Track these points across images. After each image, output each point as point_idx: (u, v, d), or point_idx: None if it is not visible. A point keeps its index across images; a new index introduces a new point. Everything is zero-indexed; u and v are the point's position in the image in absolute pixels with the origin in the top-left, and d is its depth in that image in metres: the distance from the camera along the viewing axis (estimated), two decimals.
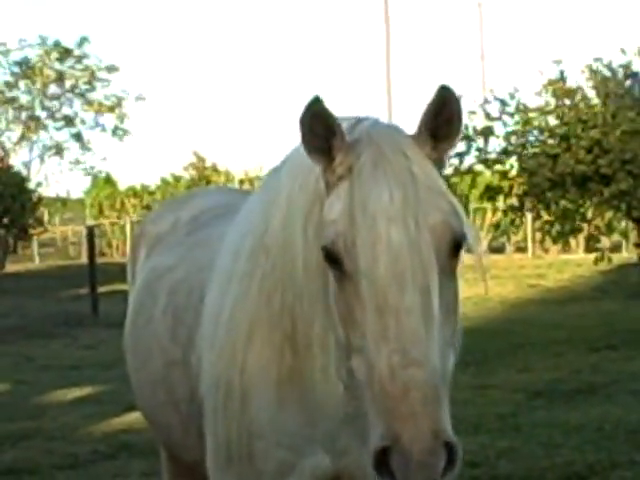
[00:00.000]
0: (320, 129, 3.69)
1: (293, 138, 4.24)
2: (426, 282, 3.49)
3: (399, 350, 3.35)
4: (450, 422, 3.38)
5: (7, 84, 52.03)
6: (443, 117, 3.68)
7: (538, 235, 33.85)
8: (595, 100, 22.45)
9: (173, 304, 5.34)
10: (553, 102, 22.70)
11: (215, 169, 60.14)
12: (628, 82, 21.32)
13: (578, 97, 22.47)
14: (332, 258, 3.65)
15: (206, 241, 5.46)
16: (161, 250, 6.13)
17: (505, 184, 23.42)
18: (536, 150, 22.37)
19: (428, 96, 3.73)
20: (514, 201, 23.65)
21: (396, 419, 3.28)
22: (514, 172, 23.45)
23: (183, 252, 5.74)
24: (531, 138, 22.75)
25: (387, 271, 3.46)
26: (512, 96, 22.75)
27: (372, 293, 3.47)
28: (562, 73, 22.81)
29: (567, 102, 22.49)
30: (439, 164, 3.83)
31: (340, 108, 4.00)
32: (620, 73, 22.21)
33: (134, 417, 12.73)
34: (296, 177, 4.23)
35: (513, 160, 23.10)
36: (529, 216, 28.10)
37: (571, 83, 22.92)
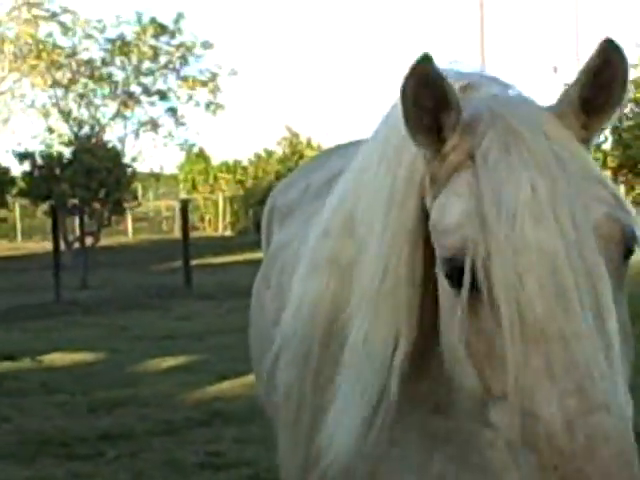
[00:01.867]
0: (429, 101, 2.77)
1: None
2: (597, 298, 2.59)
3: (574, 390, 2.46)
4: None
5: (103, 60, 52.18)
6: (603, 81, 2.76)
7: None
8: None
9: (280, 286, 4.36)
10: None
11: (309, 144, 59.71)
12: None
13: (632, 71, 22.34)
14: (456, 276, 2.72)
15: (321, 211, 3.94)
16: (289, 222, 5.04)
17: (600, 156, 23.33)
18: (631, 123, 22.23)
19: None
20: (609, 173, 23.60)
21: None
22: (608, 145, 23.32)
23: (300, 225, 4.57)
24: (626, 111, 22.56)
25: (541, 288, 2.57)
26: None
27: (522, 319, 2.56)
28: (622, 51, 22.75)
29: None
30: (587, 145, 2.92)
31: None
32: None
33: (226, 385, 12.91)
34: (381, 159, 3.25)
35: (607, 133, 22.96)
36: (622, 188, 27.99)
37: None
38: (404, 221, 3.02)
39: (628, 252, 2.71)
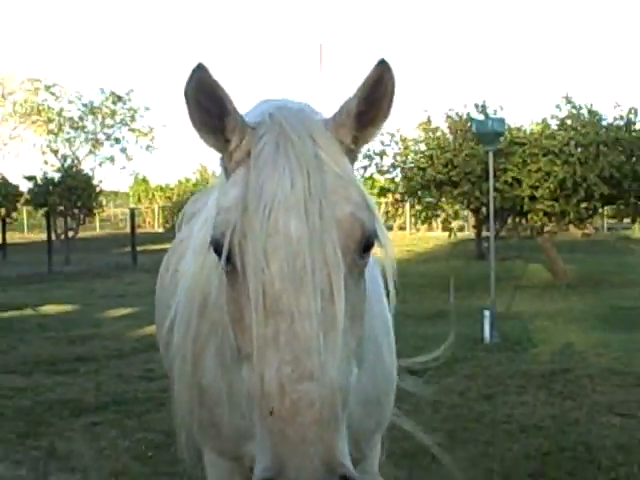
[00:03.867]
0: (209, 104, 2.33)
1: None
2: (329, 283, 2.19)
3: (291, 360, 2.07)
4: (347, 449, 2.07)
5: (80, 118, 52.46)
6: (376, 97, 2.34)
7: (413, 219, 34.17)
8: (449, 135, 22.66)
9: (176, 270, 3.82)
10: (423, 135, 22.93)
11: (214, 174, 60.37)
12: (469, 124, 21.42)
13: (439, 132, 22.66)
14: (220, 252, 2.30)
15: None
16: (190, 224, 4.32)
17: (393, 186, 23.71)
18: (412, 165, 22.52)
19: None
20: (398, 197, 24.06)
21: (283, 445, 1.99)
22: (398, 179, 23.58)
23: (195, 226, 3.73)
24: (409, 157, 22.88)
25: (282, 268, 2.17)
26: (397, 130, 22.92)
27: (262, 293, 2.17)
28: (429, 117, 23.04)
29: (431, 135, 22.74)
30: (352, 156, 2.44)
31: None
32: (464, 117, 22.45)
33: None
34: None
35: (398, 171, 23.20)
36: (408, 207, 28.39)
37: (435, 124, 23.13)
38: None
39: (367, 246, 2.30)
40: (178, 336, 3.26)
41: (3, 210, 41.62)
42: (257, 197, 2.17)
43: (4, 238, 38.68)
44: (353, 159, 2.44)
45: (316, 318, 2.08)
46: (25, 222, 59.83)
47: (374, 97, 2.30)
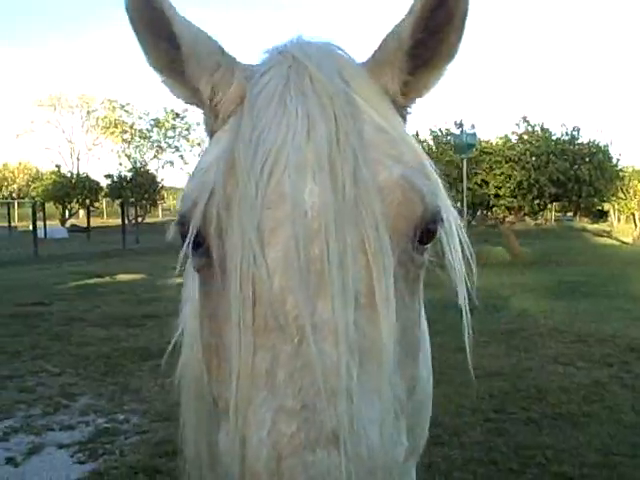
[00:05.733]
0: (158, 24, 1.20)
1: None
2: (368, 283, 1.01)
3: (295, 410, 0.92)
4: None
5: (147, 130, 53.44)
6: (439, 21, 1.19)
7: None
8: (432, 144, 22.56)
9: None
10: None
11: None
12: (448, 137, 21.34)
13: (424, 143, 22.55)
14: (191, 234, 1.11)
15: None
16: None
17: None
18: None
19: None
20: None
21: None
22: None
23: None
24: None
25: (286, 256, 1.00)
26: None
27: (251, 295, 1.00)
28: (417, 132, 22.95)
29: None
30: (401, 112, 1.27)
31: None
32: (444, 132, 22.35)
33: None
34: None
35: None
36: None
37: (422, 136, 23.00)
38: None
39: (428, 233, 1.12)
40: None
41: (88, 201, 42.14)
42: (251, 149, 1.06)
43: (89, 222, 38.98)
44: (402, 118, 1.28)
45: (345, 339, 0.95)
46: (105, 210, 60.07)
47: (436, 22, 1.20)
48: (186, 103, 1.31)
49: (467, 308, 1.36)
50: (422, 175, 1.14)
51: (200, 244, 1.12)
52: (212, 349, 1.11)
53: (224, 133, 1.16)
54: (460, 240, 1.29)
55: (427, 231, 1.13)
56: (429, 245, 1.16)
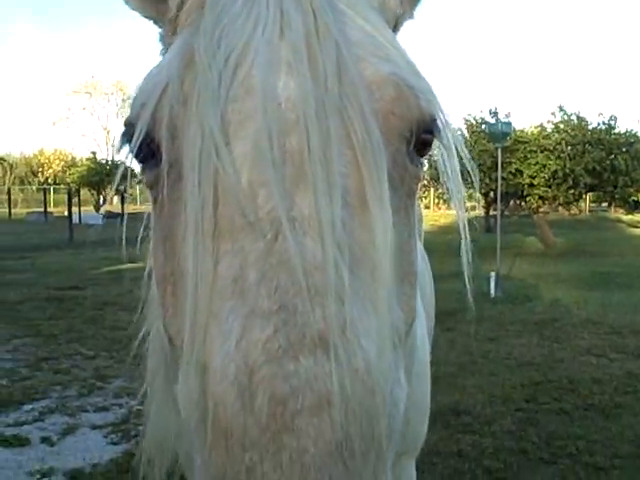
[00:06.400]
0: None
1: None
2: (359, 181, 0.83)
3: (271, 312, 0.71)
4: None
5: None
6: None
7: (436, 200, 33.51)
8: (466, 134, 22.42)
9: None
10: None
11: None
12: (483, 126, 21.18)
13: (458, 132, 22.36)
14: (137, 138, 0.93)
15: None
16: None
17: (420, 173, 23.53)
18: (436, 158, 22.27)
19: None
20: (425, 182, 23.87)
21: None
22: (425, 168, 23.54)
23: None
24: (435, 152, 22.61)
25: (257, 148, 0.81)
26: None
27: (218, 198, 0.80)
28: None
29: None
30: (395, 21, 1.12)
31: None
32: (479, 120, 22.17)
33: None
34: None
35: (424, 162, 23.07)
36: (432, 190, 28.00)
37: (455, 125, 22.87)
38: None
39: (423, 140, 0.98)
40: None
41: (122, 187, 42.36)
42: (214, 42, 0.89)
43: (122, 209, 39.36)
44: (395, 28, 1.13)
45: (331, 233, 0.78)
46: (138, 197, 60.62)
47: None
48: (142, 16, 1.15)
49: (466, 233, 1.18)
50: (415, 75, 0.98)
51: (152, 154, 0.96)
52: (167, 278, 0.91)
53: (181, 36, 0.99)
54: (461, 157, 1.11)
55: (422, 138, 0.98)
56: (423, 155, 1.02)
